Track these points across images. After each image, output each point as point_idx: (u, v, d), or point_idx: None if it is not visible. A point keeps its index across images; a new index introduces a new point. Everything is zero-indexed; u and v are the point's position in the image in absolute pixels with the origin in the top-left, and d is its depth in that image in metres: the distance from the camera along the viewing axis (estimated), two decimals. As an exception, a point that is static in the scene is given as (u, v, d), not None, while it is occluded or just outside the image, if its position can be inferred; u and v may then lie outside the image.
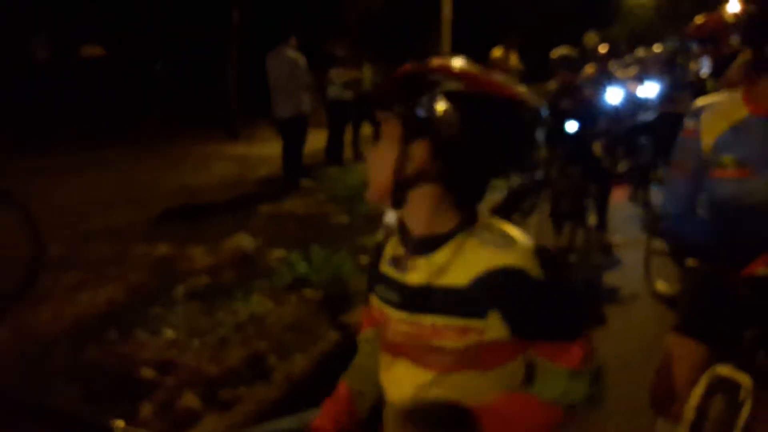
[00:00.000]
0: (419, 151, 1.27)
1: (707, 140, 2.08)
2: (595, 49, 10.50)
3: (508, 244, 1.29)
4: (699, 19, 5.70)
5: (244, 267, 4.61)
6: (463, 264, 1.29)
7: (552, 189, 5.52)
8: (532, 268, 1.27)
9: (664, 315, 4.03)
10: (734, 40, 4.84)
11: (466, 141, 1.26)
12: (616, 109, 7.62)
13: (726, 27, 4.99)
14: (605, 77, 8.69)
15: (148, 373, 3.22)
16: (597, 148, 6.49)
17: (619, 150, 7.70)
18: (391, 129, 1.29)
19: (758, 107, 2.02)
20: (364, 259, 4.71)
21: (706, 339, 2.12)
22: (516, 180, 7.58)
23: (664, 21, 23.12)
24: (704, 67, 6.07)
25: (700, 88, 5.81)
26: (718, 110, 2.09)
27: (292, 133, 7.63)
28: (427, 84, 1.28)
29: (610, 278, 5.16)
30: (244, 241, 4.97)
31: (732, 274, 2.02)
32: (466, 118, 1.26)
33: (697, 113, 2.13)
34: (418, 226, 1.34)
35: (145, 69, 14.72)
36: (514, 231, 1.33)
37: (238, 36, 12.59)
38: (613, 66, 10.04)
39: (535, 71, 9.88)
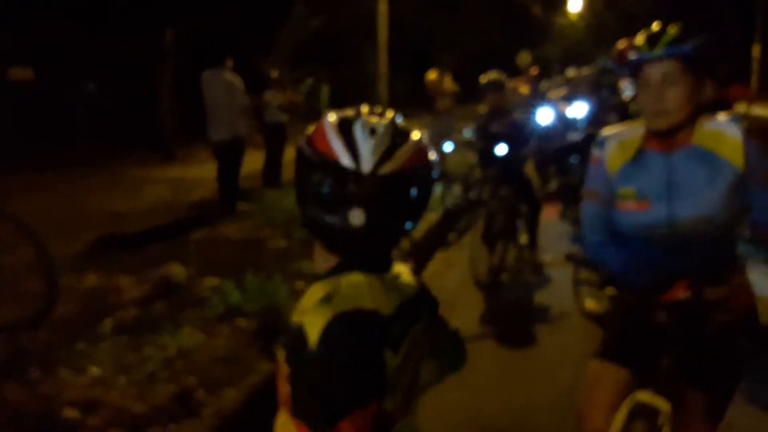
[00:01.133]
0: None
1: (612, 170, 2.13)
2: (528, 69, 10.84)
3: (324, 300, 1.25)
4: (621, 44, 5.92)
5: (175, 297, 4.51)
6: (301, 308, 1.29)
7: (484, 209, 5.64)
8: (313, 334, 1.20)
9: (593, 333, 4.13)
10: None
11: (300, 194, 1.32)
12: (546, 129, 7.86)
13: None
14: (537, 98, 8.97)
15: (71, 413, 3.10)
16: (530, 168, 6.67)
17: (550, 169, 7.93)
18: None
19: (654, 142, 2.07)
20: (300, 285, 4.68)
21: (628, 364, 2.18)
22: (451, 200, 7.73)
23: (594, 42, 23.91)
24: (627, 90, 6.30)
25: (624, 110, 6.04)
26: (621, 141, 2.14)
27: (228, 156, 7.54)
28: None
29: (541, 297, 5.29)
30: (176, 269, 4.86)
31: (650, 301, 2.09)
32: (300, 172, 1.31)
33: (603, 142, 2.18)
34: (315, 262, 1.39)
35: (77, 90, 14.33)
36: (349, 287, 1.28)
37: (173, 56, 12.43)
38: (545, 86, 10.36)
39: (470, 92, 10.10)
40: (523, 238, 5.74)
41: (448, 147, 7.52)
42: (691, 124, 2.01)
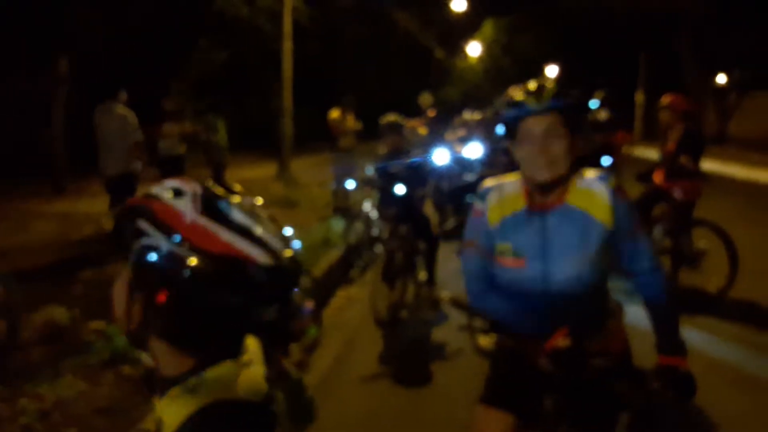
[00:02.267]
0: (137, 303, 1.10)
1: (492, 223, 2.14)
2: (428, 110, 11.14)
3: (188, 390, 1.09)
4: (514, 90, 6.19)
5: (57, 342, 4.25)
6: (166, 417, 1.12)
7: (384, 247, 5.71)
8: (170, 426, 1.06)
9: (486, 370, 4.22)
10: None
11: (172, 301, 1.05)
12: (443, 169, 8.08)
13: None
14: (435, 139, 9.23)
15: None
16: (428, 207, 6.82)
17: (447, 208, 8.14)
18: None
19: (531, 200, 2.11)
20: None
21: (512, 408, 2.21)
22: (353, 237, 7.77)
23: (492, 85, 24.93)
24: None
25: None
26: (502, 195, 2.16)
27: (121, 190, 7.28)
28: (136, 232, 1.07)
29: (438, 333, 5.36)
30: (59, 312, 4.58)
31: (532, 347, 2.12)
32: (172, 276, 1.04)
33: (484, 194, 2.19)
34: (158, 365, 1.16)
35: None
36: (217, 378, 1.10)
37: (68, 85, 11.93)
38: (446, 126, 10.65)
39: (373, 130, 10.29)
40: (422, 275, 5.83)
41: (350, 184, 7.57)
42: (567, 181, 2.07)
